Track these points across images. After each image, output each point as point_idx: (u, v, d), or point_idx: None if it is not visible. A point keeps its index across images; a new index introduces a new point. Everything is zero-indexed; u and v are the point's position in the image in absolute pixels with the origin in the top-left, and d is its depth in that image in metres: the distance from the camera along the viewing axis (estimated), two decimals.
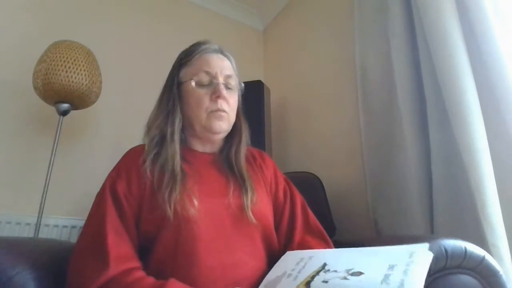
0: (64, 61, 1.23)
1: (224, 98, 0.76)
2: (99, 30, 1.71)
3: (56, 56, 1.24)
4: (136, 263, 0.60)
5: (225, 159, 0.79)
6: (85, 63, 1.28)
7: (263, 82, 1.85)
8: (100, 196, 0.67)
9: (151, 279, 0.57)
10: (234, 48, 2.33)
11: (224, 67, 0.80)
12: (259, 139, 1.63)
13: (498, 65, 0.86)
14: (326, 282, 0.51)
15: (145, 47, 1.82)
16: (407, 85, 1.10)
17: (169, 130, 0.74)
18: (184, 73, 0.80)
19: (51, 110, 1.32)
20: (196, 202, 0.65)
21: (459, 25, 0.94)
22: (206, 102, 0.75)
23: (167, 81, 0.83)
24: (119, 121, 1.63)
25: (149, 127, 0.77)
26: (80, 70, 1.25)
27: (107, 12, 1.78)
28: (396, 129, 1.11)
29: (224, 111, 0.75)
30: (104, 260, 0.56)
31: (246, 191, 0.71)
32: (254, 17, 2.38)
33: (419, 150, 1.04)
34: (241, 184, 0.73)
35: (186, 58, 0.82)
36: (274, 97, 1.93)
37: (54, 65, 1.22)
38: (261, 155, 0.88)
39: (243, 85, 0.87)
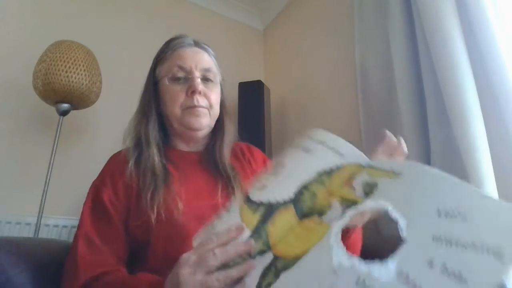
0: (64, 61, 1.23)
1: (201, 93, 0.72)
2: (99, 30, 1.71)
3: (56, 56, 1.24)
4: (113, 267, 0.58)
5: (211, 157, 0.76)
6: (85, 63, 1.28)
7: (263, 82, 1.85)
8: (83, 206, 0.66)
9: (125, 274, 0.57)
10: (234, 48, 2.35)
11: (200, 60, 0.75)
12: (259, 139, 1.63)
13: (498, 65, 0.86)
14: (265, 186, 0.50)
15: (145, 47, 1.81)
16: (407, 85, 1.10)
17: (143, 131, 0.72)
18: (159, 70, 0.77)
19: (51, 110, 1.32)
20: (181, 205, 0.62)
21: (459, 25, 0.94)
22: (181, 98, 0.72)
23: (145, 80, 0.80)
24: (119, 121, 1.61)
25: (128, 130, 0.75)
26: (80, 70, 1.25)
27: (107, 12, 1.78)
28: (396, 129, 1.11)
29: (201, 107, 0.72)
30: (75, 273, 0.56)
31: (233, 190, 0.69)
32: (254, 17, 2.38)
33: (419, 150, 1.04)
34: (228, 183, 0.70)
35: (160, 55, 0.79)
36: (274, 97, 1.94)
37: (54, 65, 1.22)
38: (249, 149, 0.85)
39: (223, 78, 0.82)
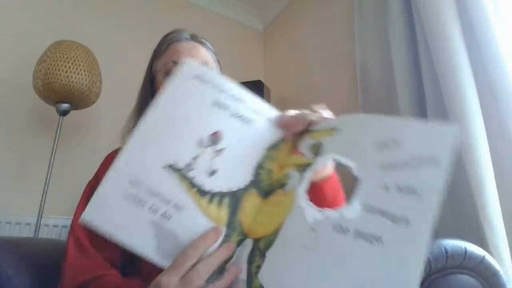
0: (64, 61, 1.23)
1: None
2: (99, 30, 1.71)
3: (56, 56, 1.24)
4: (103, 271, 0.54)
5: None
6: (85, 63, 1.28)
7: (263, 82, 1.85)
8: (76, 208, 0.64)
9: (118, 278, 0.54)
10: (234, 48, 2.35)
11: (196, 55, 0.72)
12: None
13: (498, 65, 0.86)
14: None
15: (145, 47, 1.81)
16: (407, 85, 1.10)
17: None
18: (155, 66, 0.76)
19: (51, 110, 1.32)
20: None
21: (459, 25, 0.94)
22: None
23: (143, 77, 0.79)
24: (119, 121, 1.62)
25: (125, 127, 0.74)
26: (80, 70, 1.25)
27: (107, 12, 1.78)
28: None
29: None
30: (64, 278, 0.54)
31: None
32: (254, 17, 2.38)
33: None
34: None
35: (157, 50, 0.78)
36: (274, 97, 1.93)
37: (54, 65, 1.22)
38: None
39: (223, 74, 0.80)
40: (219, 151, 0.45)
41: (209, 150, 0.45)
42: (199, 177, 0.43)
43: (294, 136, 0.49)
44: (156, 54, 0.77)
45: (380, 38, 1.24)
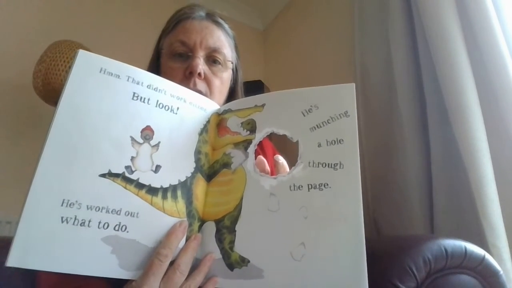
0: (64, 61, 1.23)
1: (201, 76, 0.61)
2: (99, 30, 1.71)
3: (56, 56, 1.24)
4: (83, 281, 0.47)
5: None
6: None
7: (263, 82, 1.85)
8: None
9: None
10: None
11: (207, 37, 0.65)
12: None
13: (498, 65, 0.86)
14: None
15: (146, 47, 1.81)
16: (407, 85, 1.09)
17: None
18: (162, 43, 0.69)
19: (51, 110, 1.32)
20: None
21: (459, 25, 0.94)
22: (177, 79, 0.61)
23: (151, 57, 0.74)
24: None
25: None
26: None
27: (107, 12, 1.78)
28: (396, 129, 1.11)
29: (200, 92, 0.60)
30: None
31: None
32: (254, 17, 2.38)
33: (419, 150, 1.04)
34: None
35: (166, 26, 0.71)
36: None
37: (54, 65, 1.22)
38: (259, 142, 0.79)
39: (236, 62, 0.70)
40: (155, 145, 0.44)
41: (145, 147, 0.43)
42: (145, 177, 0.42)
43: (216, 117, 0.50)
44: (165, 31, 0.71)
45: (380, 38, 1.24)
